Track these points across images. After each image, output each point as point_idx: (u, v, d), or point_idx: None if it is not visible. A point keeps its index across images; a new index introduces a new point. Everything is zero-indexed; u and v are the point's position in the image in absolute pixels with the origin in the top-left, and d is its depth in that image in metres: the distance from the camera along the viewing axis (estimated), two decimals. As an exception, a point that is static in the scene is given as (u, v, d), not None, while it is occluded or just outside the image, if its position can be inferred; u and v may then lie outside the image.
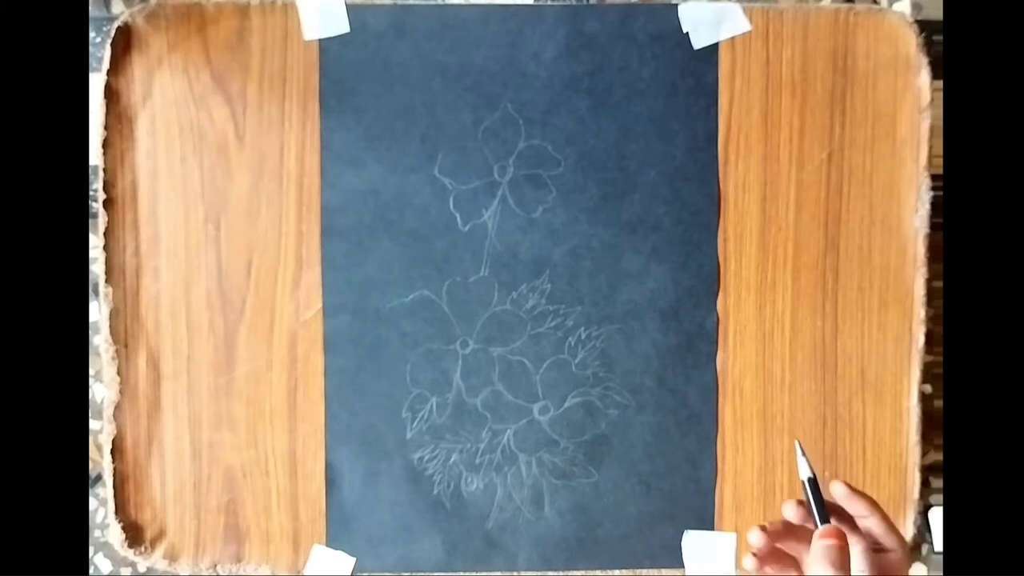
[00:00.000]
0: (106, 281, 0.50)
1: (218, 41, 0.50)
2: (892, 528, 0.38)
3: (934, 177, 0.50)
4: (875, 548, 0.38)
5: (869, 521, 0.38)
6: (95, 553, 0.52)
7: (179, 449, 0.51)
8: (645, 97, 0.50)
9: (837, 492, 0.39)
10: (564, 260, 0.50)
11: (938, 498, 0.53)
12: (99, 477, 0.52)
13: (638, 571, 0.51)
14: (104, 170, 0.49)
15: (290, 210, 0.50)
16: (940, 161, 0.50)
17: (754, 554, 0.38)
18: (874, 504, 0.38)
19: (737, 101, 0.50)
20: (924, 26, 0.50)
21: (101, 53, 0.49)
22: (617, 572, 0.51)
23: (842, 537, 0.36)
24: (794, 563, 0.39)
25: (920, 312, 0.50)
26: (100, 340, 0.50)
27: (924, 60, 0.50)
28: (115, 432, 0.50)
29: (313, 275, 0.50)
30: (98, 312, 0.51)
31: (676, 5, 0.50)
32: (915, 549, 0.52)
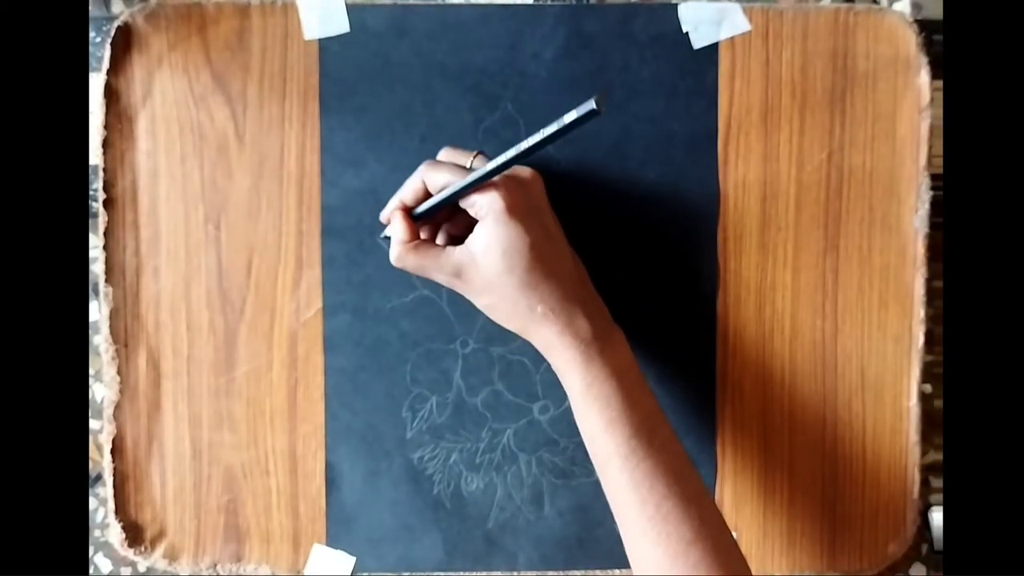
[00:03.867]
0: (106, 281, 0.50)
1: (218, 41, 0.50)
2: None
3: (934, 177, 0.50)
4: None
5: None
6: (95, 553, 0.52)
7: (179, 449, 0.51)
8: (645, 97, 0.50)
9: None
10: (564, 260, 0.50)
11: (938, 498, 0.53)
12: (99, 477, 0.52)
13: (638, 571, 0.51)
14: (104, 170, 0.49)
15: (290, 210, 0.50)
16: (940, 161, 0.50)
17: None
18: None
19: (737, 101, 0.50)
20: (924, 26, 0.50)
21: (101, 53, 0.49)
22: (617, 572, 0.51)
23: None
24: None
25: (920, 312, 0.50)
26: (100, 340, 0.50)
27: (924, 60, 0.50)
28: (115, 432, 0.50)
29: (313, 275, 0.50)
30: (98, 312, 0.51)
31: (676, 5, 0.50)
32: (915, 549, 0.52)
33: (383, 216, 0.47)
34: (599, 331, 0.43)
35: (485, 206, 0.42)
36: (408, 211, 0.45)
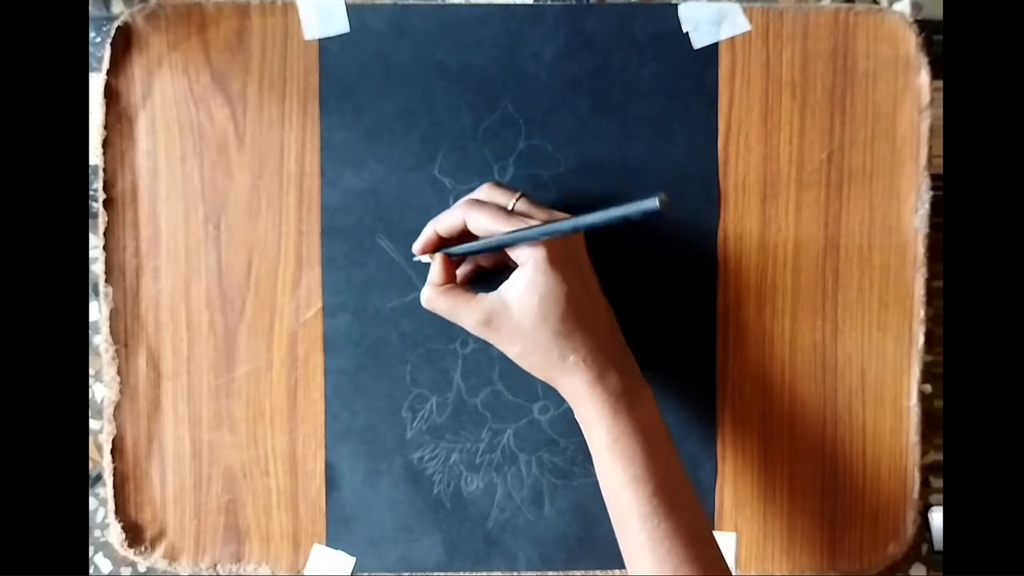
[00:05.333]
0: (106, 281, 0.50)
1: (218, 41, 0.50)
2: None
3: (934, 177, 0.50)
4: None
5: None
6: (95, 553, 0.52)
7: (179, 449, 0.51)
8: (645, 97, 0.50)
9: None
10: (564, 260, 0.50)
11: (938, 498, 0.53)
12: (99, 477, 0.52)
13: (638, 571, 0.51)
14: (104, 170, 0.50)
15: (290, 210, 0.50)
16: (940, 161, 0.50)
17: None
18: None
19: (737, 101, 0.50)
20: (924, 26, 0.50)
21: (101, 53, 0.49)
22: (617, 572, 0.51)
23: None
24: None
25: (920, 312, 0.50)
26: (100, 340, 0.50)
27: (924, 60, 0.50)
28: (115, 432, 0.50)
29: (313, 275, 0.50)
30: (98, 312, 0.51)
31: (676, 5, 0.50)
32: (915, 549, 0.52)
33: (416, 246, 0.46)
34: (628, 385, 0.43)
35: (526, 253, 0.42)
36: (446, 251, 0.45)
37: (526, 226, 0.42)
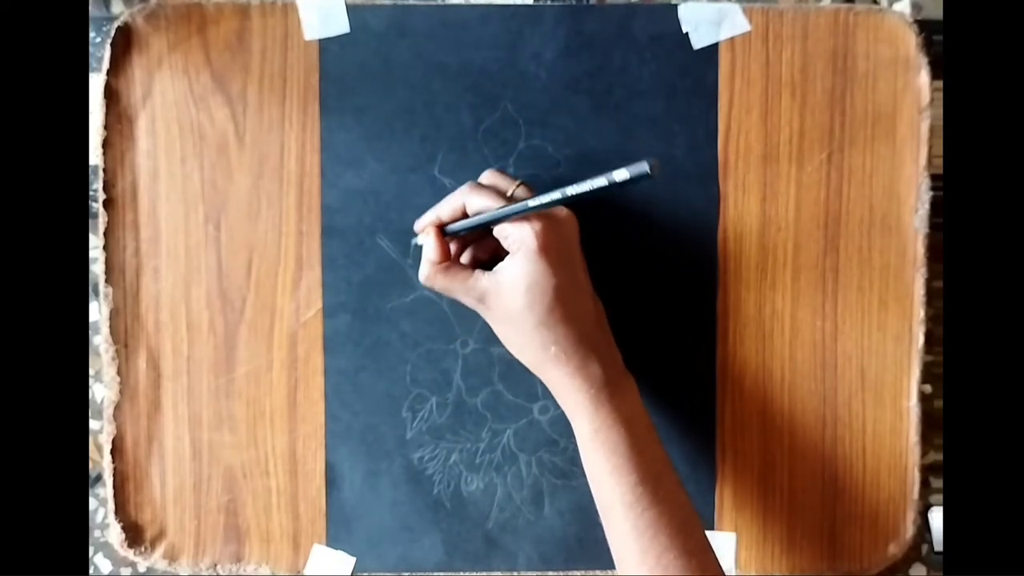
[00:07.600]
0: (106, 281, 0.50)
1: (218, 41, 0.50)
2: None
3: (934, 177, 0.50)
4: None
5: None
6: (95, 553, 0.52)
7: (179, 449, 0.51)
8: (645, 97, 0.50)
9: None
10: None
11: (938, 498, 0.53)
12: (99, 477, 0.52)
13: (638, 571, 0.51)
14: (104, 170, 0.50)
15: (290, 210, 0.50)
16: (940, 161, 0.50)
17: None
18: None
19: (737, 101, 0.50)
20: (924, 26, 0.50)
21: (101, 53, 0.49)
22: (616, 572, 0.51)
23: None
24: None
25: (920, 312, 0.50)
26: (100, 340, 0.50)
27: (924, 60, 0.50)
28: (115, 432, 0.50)
29: (313, 275, 0.50)
30: (98, 312, 0.51)
31: (676, 5, 0.50)
32: (915, 549, 0.52)
33: (417, 226, 0.47)
34: (610, 377, 0.43)
35: (518, 240, 0.42)
36: (441, 228, 0.46)
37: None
